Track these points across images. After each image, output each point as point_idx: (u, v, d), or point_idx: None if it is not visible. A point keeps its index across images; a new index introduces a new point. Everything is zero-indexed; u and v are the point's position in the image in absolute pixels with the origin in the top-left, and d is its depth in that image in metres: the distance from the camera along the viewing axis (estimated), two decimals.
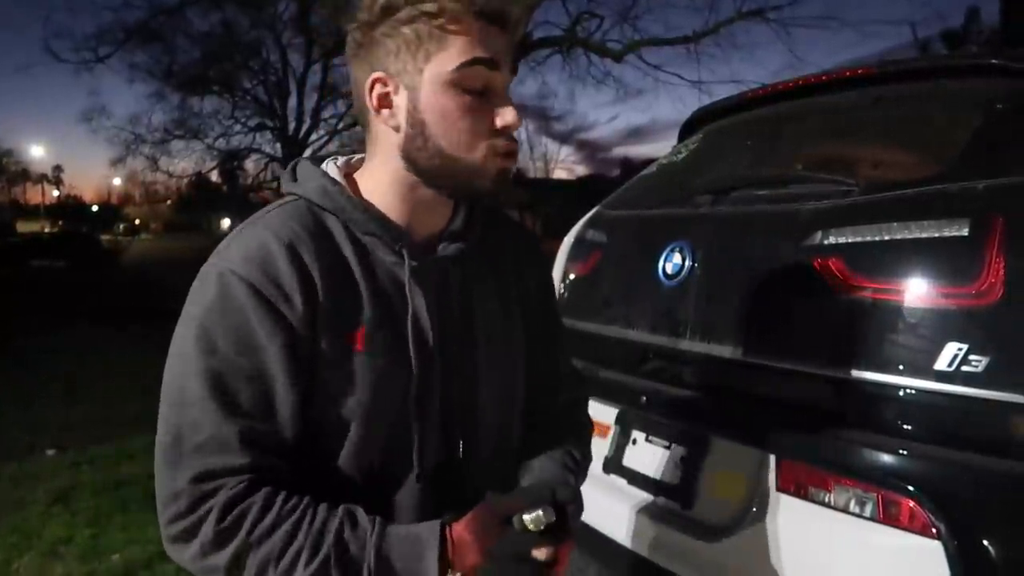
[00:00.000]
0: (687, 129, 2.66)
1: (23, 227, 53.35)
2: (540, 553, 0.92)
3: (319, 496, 0.91)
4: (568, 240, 2.48)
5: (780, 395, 1.66)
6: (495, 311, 1.08)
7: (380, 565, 0.86)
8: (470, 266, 1.06)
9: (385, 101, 0.96)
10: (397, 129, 0.96)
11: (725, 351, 1.75)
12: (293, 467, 0.92)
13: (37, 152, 71.17)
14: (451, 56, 0.91)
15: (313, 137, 24.64)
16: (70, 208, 73.20)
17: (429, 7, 0.90)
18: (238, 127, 25.30)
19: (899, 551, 1.36)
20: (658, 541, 1.79)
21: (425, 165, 0.96)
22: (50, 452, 4.67)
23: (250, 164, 28.36)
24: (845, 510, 1.44)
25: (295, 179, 1.03)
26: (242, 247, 0.93)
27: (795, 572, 1.49)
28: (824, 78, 2.17)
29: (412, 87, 0.93)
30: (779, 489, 1.55)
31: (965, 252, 1.40)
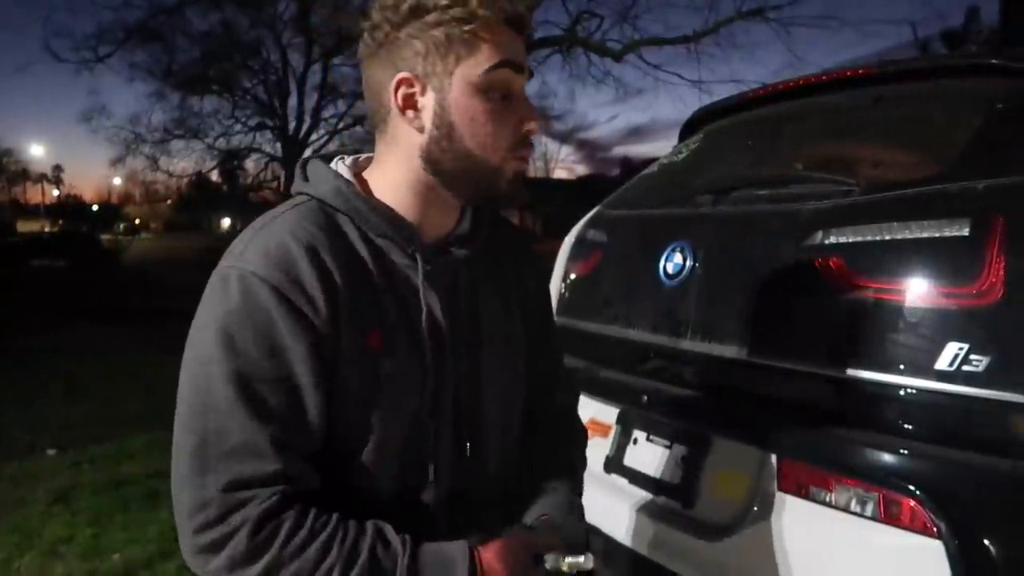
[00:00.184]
0: (687, 129, 2.66)
1: (23, 227, 53.32)
2: None
3: (341, 500, 0.91)
4: (569, 240, 2.48)
5: (781, 395, 1.67)
6: (498, 312, 1.09)
7: None
8: (476, 268, 1.06)
9: (410, 102, 0.95)
10: (421, 130, 0.95)
11: (726, 351, 1.75)
12: (319, 471, 0.92)
13: (37, 151, 71.15)
14: (480, 60, 0.92)
15: (313, 137, 24.65)
16: (70, 208, 73.08)
17: (459, 12, 0.90)
18: (238, 127, 25.31)
19: (900, 551, 1.36)
20: (659, 540, 1.79)
21: (448, 167, 0.96)
22: (51, 452, 4.68)
23: (250, 164, 28.38)
24: (846, 510, 1.44)
25: (306, 179, 1.02)
26: (261, 249, 0.92)
27: (796, 571, 1.50)
28: (824, 78, 2.17)
29: (440, 89, 0.93)
30: (780, 489, 1.56)
31: (966, 252, 1.40)
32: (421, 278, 0.98)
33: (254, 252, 0.92)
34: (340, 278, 0.92)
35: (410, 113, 0.96)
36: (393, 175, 1.00)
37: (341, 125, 24.69)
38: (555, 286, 2.41)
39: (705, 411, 1.86)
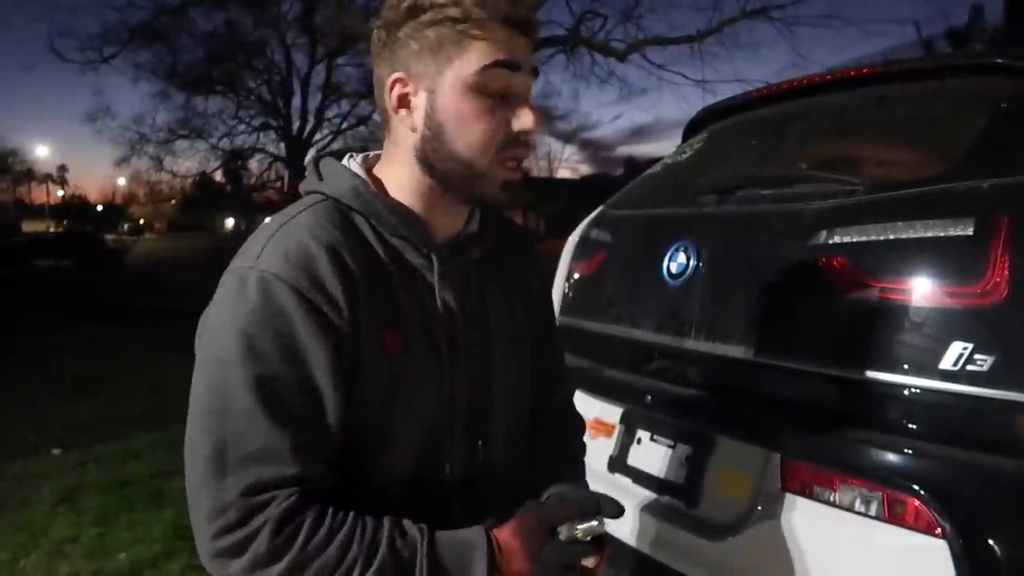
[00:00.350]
0: (691, 128, 2.66)
1: (28, 227, 53.41)
2: (589, 562, 0.97)
3: (358, 500, 0.91)
4: (572, 239, 2.48)
5: (785, 394, 1.66)
6: (505, 312, 1.09)
7: (433, 570, 0.87)
8: (484, 268, 1.07)
9: (404, 101, 0.96)
10: (414, 130, 0.96)
11: (730, 350, 1.75)
12: (337, 471, 0.92)
13: (42, 152, 71.36)
14: (472, 60, 0.91)
15: (317, 137, 24.74)
16: (75, 208, 73.25)
17: (453, 12, 0.90)
18: (242, 127, 25.42)
19: (904, 550, 1.36)
20: (663, 540, 1.79)
21: (440, 168, 0.96)
22: (56, 451, 4.69)
23: (254, 164, 28.51)
24: (850, 509, 1.44)
25: (320, 177, 1.01)
26: (280, 249, 0.90)
27: (800, 571, 1.49)
28: (828, 77, 2.17)
29: (431, 89, 0.93)
30: (784, 488, 1.56)
31: (970, 251, 1.40)
32: (437, 278, 0.99)
33: (273, 253, 0.90)
34: (360, 278, 0.92)
35: (403, 112, 0.96)
36: (398, 175, 1.00)
37: (345, 125, 24.75)
38: (559, 286, 2.42)
39: (709, 411, 1.86)
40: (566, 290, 2.40)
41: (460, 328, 1.00)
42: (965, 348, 1.36)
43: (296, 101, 24.87)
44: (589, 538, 0.95)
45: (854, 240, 1.56)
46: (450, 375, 0.99)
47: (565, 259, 2.46)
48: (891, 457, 1.43)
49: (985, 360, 1.34)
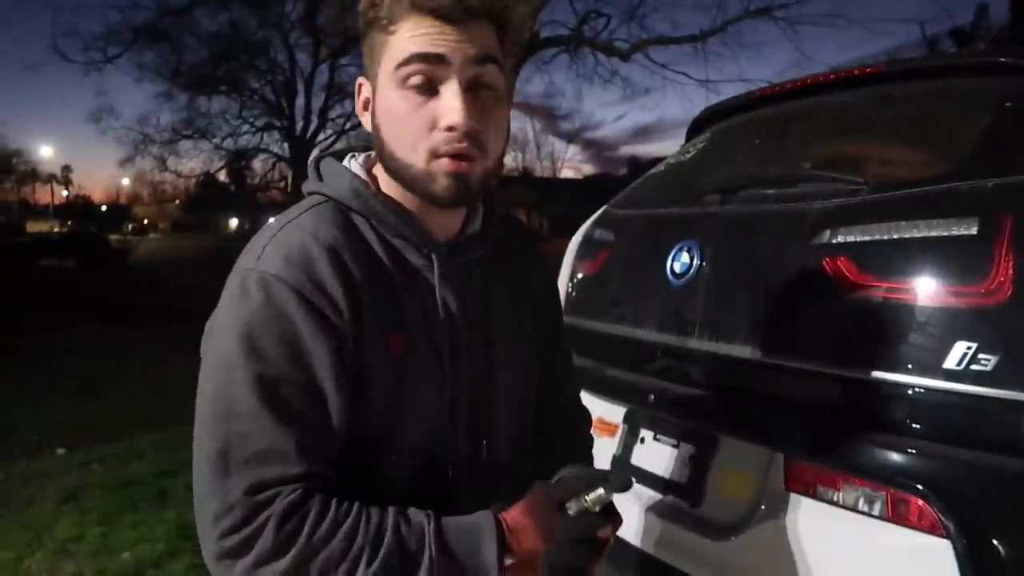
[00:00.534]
0: (695, 128, 2.66)
1: (32, 227, 53.60)
2: (602, 532, 0.96)
3: (362, 500, 0.90)
4: (576, 239, 2.48)
5: (788, 394, 1.66)
6: (509, 312, 1.09)
7: (441, 556, 0.86)
8: (487, 267, 1.07)
9: (365, 104, 0.98)
10: (371, 131, 0.97)
11: (733, 350, 1.75)
12: (340, 472, 0.92)
13: (46, 152, 71.63)
14: (393, 55, 0.90)
15: (320, 137, 24.79)
16: (79, 208, 73.51)
17: (378, 11, 0.90)
18: (246, 127, 25.50)
19: (908, 550, 1.36)
20: (666, 539, 1.79)
21: (390, 167, 0.96)
22: (60, 451, 4.70)
23: (258, 164, 28.59)
24: (854, 509, 1.44)
25: (320, 178, 1.01)
26: (282, 251, 0.91)
27: (804, 571, 1.49)
28: (832, 77, 2.17)
29: (374, 90, 0.95)
30: (788, 488, 1.55)
31: (974, 251, 1.40)
32: (437, 278, 0.98)
33: (274, 254, 0.91)
34: (361, 280, 0.92)
35: (365, 115, 0.98)
36: (384, 175, 1.00)
37: (348, 125, 24.77)
38: (562, 285, 2.41)
39: (712, 410, 1.85)
40: (569, 290, 2.40)
41: (461, 328, 1.00)
42: (969, 348, 1.36)
43: (300, 101, 24.97)
44: (598, 508, 0.95)
45: (858, 240, 1.56)
46: (452, 375, 0.98)
47: (568, 259, 2.46)
48: (895, 457, 1.43)
49: (989, 360, 1.34)
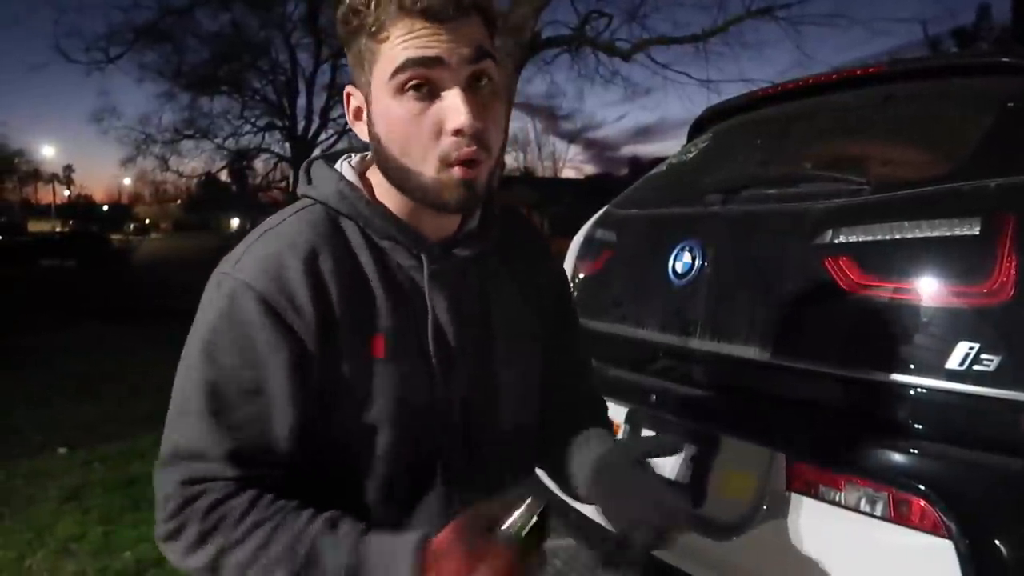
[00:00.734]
0: (696, 128, 2.66)
1: (34, 227, 53.62)
2: (531, 555, 0.92)
3: (342, 503, 0.91)
4: (578, 239, 2.48)
5: (790, 394, 1.66)
6: (511, 309, 1.08)
7: None
8: (488, 265, 1.06)
9: (357, 113, 0.96)
10: (369, 140, 0.96)
11: (735, 350, 1.75)
12: (292, 476, 0.92)
13: (48, 152, 71.58)
14: (387, 62, 0.88)
15: (322, 137, 24.78)
16: (81, 208, 73.63)
17: (363, 19, 0.88)
18: (247, 127, 25.50)
19: (910, 550, 1.36)
20: None
21: (393, 176, 0.94)
22: (62, 450, 4.69)
23: (259, 164, 28.60)
24: (856, 509, 1.44)
25: (310, 182, 1.01)
26: (258, 256, 0.92)
27: (806, 571, 1.49)
28: (834, 77, 2.17)
29: (368, 99, 0.93)
30: (790, 488, 1.55)
31: (976, 251, 1.40)
32: (426, 279, 0.97)
33: (250, 260, 0.92)
34: (338, 287, 0.92)
35: (359, 124, 0.96)
36: (380, 179, 0.99)
37: (349, 125, 24.74)
38: None
39: (714, 411, 1.85)
40: (571, 290, 2.39)
41: (454, 328, 0.99)
42: (971, 348, 1.36)
43: (301, 101, 24.96)
44: (529, 530, 0.93)
45: (859, 240, 1.56)
46: (441, 376, 0.97)
47: (570, 259, 2.46)
48: (897, 457, 1.43)
49: (991, 360, 1.34)
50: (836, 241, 1.59)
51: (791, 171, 2.02)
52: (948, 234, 1.44)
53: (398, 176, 0.93)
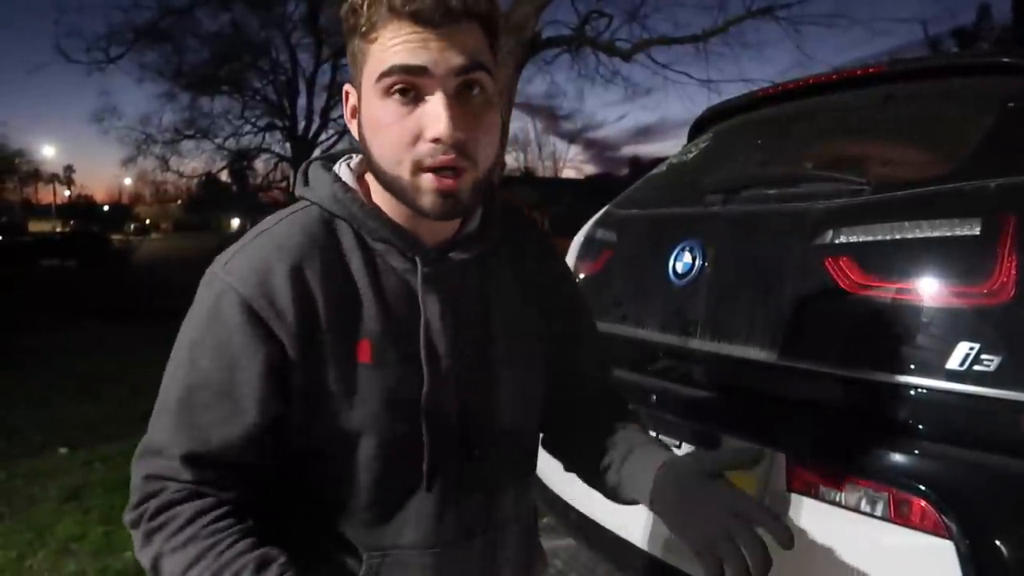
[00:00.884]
0: (697, 128, 2.66)
1: (34, 227, 53.67)
2: None
3: (329, 510, 0.91)
4: (578, 239, 2.48)
5: (790, 394, 1.66)
6: (513, 309, 1.07)
7: None
8: (489, 265, 1.05)
9: (352, 112, 0.96)
10: (358, 139, 0.96)
11: (735, 350, 1.74)
12: (256, 484, 0.93)
13: (48, 152, 71.54)
14: (376, 64, 0.87)
15: (323, 137, 24.78)
16: (81, 208, 73.58)
17: (357, 20, 0.88)
18: (248, 127, 25.50)
19: (910, 550, 1.36)
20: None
21: (378, 178, 0.94)
22: (62, 450, 4.70)
23: (260, 164, 28.61)
24: (856, 509, 1.44)
25: (307, 183, 1.01)
26: (247, 259, 0.92)
27: (806, 571, 1.49)
28: (834, 77, 2.17)
29: (360, 99, 0.92)
30: (790, 488, 1.55)
31: (976, 251, 1.40)
32: (420, 282, 0.96)
33: (239, 261, 0.92)
34: (324, 291, 0.91)
35: (353, 123, 0.96)
36: (374, 180, 0.98)
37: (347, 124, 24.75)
38: None
39: (714, 411, 1.85)
40: None
41: (449, 330, 0.98)
42: (972, 348, 1.36)
43: (302, 101, 24.96)
44: None
45: (860, 240, 1.56)
46: (432, 379, 0.96)
47: (570, 259, 2.46)
48: (897, 457, 1.43)
49: (992, 360, 1.34)
50: (836, 241, 1.59)
51: (791, 171, 2.02)
52: (948, 234, 1.44)
53: (382, 178, 0.93)
